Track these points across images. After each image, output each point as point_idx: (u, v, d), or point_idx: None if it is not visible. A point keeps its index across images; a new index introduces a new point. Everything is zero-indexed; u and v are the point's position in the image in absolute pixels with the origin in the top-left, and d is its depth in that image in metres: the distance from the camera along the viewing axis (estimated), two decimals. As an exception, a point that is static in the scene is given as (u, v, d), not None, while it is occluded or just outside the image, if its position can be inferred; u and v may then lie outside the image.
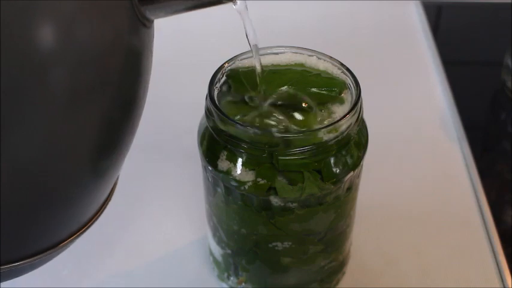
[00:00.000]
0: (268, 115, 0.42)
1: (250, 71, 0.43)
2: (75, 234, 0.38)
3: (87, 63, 0.31)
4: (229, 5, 0.39)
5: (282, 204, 0.41)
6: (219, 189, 0.43)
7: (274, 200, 0.41)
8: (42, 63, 0.30)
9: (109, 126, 0.35)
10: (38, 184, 0.33)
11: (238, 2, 0.38)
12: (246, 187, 0.40)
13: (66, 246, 0.38)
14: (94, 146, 0.34)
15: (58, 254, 0.38)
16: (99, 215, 0.39)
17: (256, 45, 0.41)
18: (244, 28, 0.40)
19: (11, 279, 0.38)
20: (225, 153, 0.41)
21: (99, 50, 0.32)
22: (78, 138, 0.33)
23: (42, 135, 0.31)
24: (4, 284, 0.49)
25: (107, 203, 0.40)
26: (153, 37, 0.37)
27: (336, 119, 0.40)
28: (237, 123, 0.39)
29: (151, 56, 0.37)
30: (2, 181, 0.31)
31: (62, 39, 0.30)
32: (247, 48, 0.43)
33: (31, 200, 0.33)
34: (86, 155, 0.34)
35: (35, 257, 0.36)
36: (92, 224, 0.39)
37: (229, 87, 0.43)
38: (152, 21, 0.36)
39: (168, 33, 0.73)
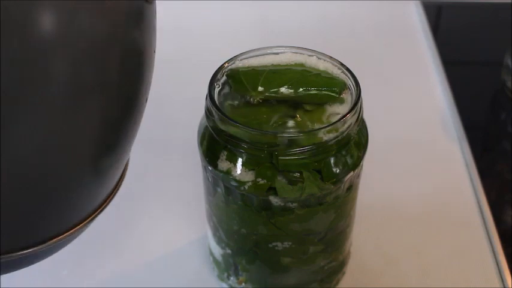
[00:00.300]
0: (268, 115, 0.42)
1: (250, 71, 0.43)
2: (81, 223, 0.38)
3: (91, 44, 0.31)
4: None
5: (282, 204, 0.41)
6: (219, 189, 0.43)
7: (274, 200, 0.41)
8: (45, 47, 0.30)
9: (117, 108, 0.35)
10: (38, 179, 0.33)
11: None
12: (246, 187, 0.40)
13: (71, 237, 0.38)
14: (105, 125, 0.34)
15: (63, 245, 0.38)
16: (103, 208, 0.39)
17: None
18: None
19: (12, 271, 0.38)
20: (225, 153, 0.41)
21: (102, 28, 0.32)
22: (87, 121, 0.33)
23: (47, 125, 0.31)
24: (4, 284, 0.49)
25: (112, 197, 0.40)
26: (156, 13, 0.37)
27: (336, 119, 0.40)
28: (237, 123, 0.39)
29: (155, 33, 0.37)
30: (2, 176, 0.31)
31: (64, 22, 0.30)
32: (247, 48, 0.43)
33: (32, 194, 0.33)
34: (98, 129, 0.34)
35: (37, 247, 0.36)
36: (93, 218, 0.39)
37: (230, 87, 0.43)
38: None
39: (169, 33, 0.73)
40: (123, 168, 0.40)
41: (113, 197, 0.40)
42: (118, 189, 0.40)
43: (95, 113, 0.33)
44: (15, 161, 0.31)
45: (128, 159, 0.41)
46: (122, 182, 0.40)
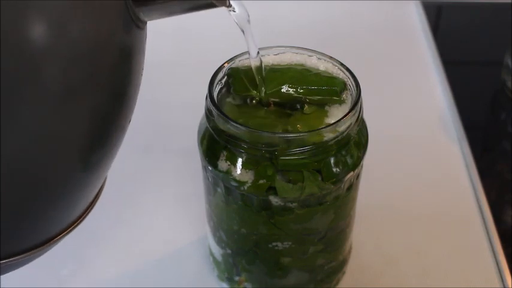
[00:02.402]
0: (268, 115, 0.42)
1: (250, 70, 0.43)
2: (63, 231, 0.38)
3: (78, 61, 0.31)
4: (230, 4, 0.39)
5: (282, 204, 0.41)
6: (219, 189, 0.43)
7: (274, 200, 0.41)
8: (34, 60, 0.30)
9: (98, 123, 0.35)
10: (27, 177, 0.33)
11: (237, 10, 0.38)
12: (246, 187, 0.40)
13: (51, 245, 0.38)
14: (83, 141, 0.34)
15: (42, 253, 0.38)
16: (88, 213, 0.39)
17: (258, 57, 0.41)
18: (246, 41, 0.40)
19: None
20: (225, 153, 0.41)
21: (91, 48, 0.32)
22: (67, 133, 0.33)
23: (33, 130, 0.31)
24: (4, 284, 0.49)
25: (96, 201, 0.40)
26: (146, 38, 0.37)
27: (336, 119, 0.40)
28: (237, 123, 0.39)
29: (143, 56, 0.37)
30: None
31: (55, 36, 0.30)
32: (247, 48, 0.43)
33: (20, 194, 0.33)
34: (74, 150, 0.34)
35: (21, 256, 0.36)
36: (81, 221, 0.39)
37: (230, 87, 0.43)
38: (145, 23, 0.36)
39: (169, 33, 0.73)
40: (100, 184, 0.40)
41: (88, 213, 0.40)
42: (93, 205, 0.40)
43: (75, 130, 0.34)
44: (6, 157, 0.31)
45: (106, 177, 0.41)
46: (98, 198, 0.40)
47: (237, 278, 0.48)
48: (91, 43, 0.32)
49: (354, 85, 0.42)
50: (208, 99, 0.41)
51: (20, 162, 0.32)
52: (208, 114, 0.41)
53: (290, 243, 0.44)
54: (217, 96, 0.43)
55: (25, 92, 0.30)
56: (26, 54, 0.30)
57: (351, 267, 0.51)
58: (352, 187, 0.43)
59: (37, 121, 0.31)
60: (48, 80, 0.31)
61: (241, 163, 0.40)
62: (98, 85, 0.33)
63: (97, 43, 0.32)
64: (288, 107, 0.42)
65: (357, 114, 0.41)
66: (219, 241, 0.47)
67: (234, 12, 0.39)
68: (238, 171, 0.40)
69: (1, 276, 0.38)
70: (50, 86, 0.31)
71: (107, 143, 0.37)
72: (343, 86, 0.43)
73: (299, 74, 0.43)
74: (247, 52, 0.42)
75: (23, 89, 0.30)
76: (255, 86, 0.43)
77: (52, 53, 0.30)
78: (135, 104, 0.38)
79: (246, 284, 0.48)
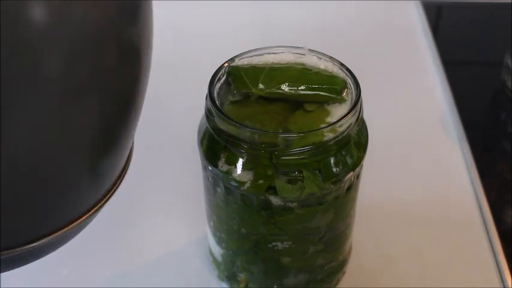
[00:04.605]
0: (269, 114, 0.42)
1: (251, 68, 0.43)
2: (73, 222, 0.38)
3: (84, 39, 0.31)
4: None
5: (282, 204, 0.41)
6: (219, 189, 0.43)
7: (274, 200, 0.41)
8: (37, 42, 0.29)
9: (114, 104, 0.34)
10: (35, 172, 0.33)
11: None
12: (246, 187, 0.40)
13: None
14: (96, 128, 0.34)
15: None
16: (106, 201, 0.39)
17: None
18: None
19: (14, 268, 0.37)
20: (225, 153, 0.41)
21: (97, 24, 0.32)
22: (82, 119, 0.33)
23: (45, 119, 0.31)
24: (4, 283, 0.49)
25: (125, 172, 0.40)
26: (152, 10, 0.37)
27: (336, 119, 0.40)
28: (237, 123, 0.39)
29: (152, 29, 0.37)
30: (2, 169, 0.31)
31: (58, 11, 0.30)
32: (247, 48, 0.43)
33: (27, 189, 0.33)
34: (86, 139, 0.34)
35: (36, 243, 0.36)
36: (88, 217, 0.39)
37: (230, 86, 0.43)
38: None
39: (169, 32, 0.74)
40: (126, 156, 0.39)
41: (120, 182, 0.39)
42: (124, 174, 0.40)
43: (92, 108, 0.33)
44: (14, 149, 0.31)
45: (132, 143, 0.40)
46: (127, 169, 0.40)
47: (239, 276, 0.48)
48: (97, 19, 0.31)
49: (354, 85, 0.42)
50: (208, 99, 0.41)
51: (26, 154, 0.32)
52: (208, 114, 0.41)
53: (290, 243, 0.44)
54: (217, 96, 0.43)
55: (34, 86, 0.30)
56: (31, 37, 0.29)
57: (351, 267, 0.51)
58: (352, 187, 0.43)
59: (57, 110, 0.31)
60: (56, 61, 0.30)
61: (241, 163, 0.40)
62: (108, 63, 0.33)
63: (103, 19, 0.32)
64: (288, 106, 0.42)
65: (357, 114, 0.41)
66: (219, 241, 0.47)
67: None
68: (238, 171, 0.40)
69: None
70: (57, 71, 0.31)
71: (126, 116, 0.36)
72: (344, 84, 0.43)
73: (299, 73, 0.43)
74: (248, 51, 0.42)
75: (35, 79, 0.30)
76: (255, 84, 0.43)
77: (57, 30, 0.30)
78: (147, 82, 0.37)
79: (246, 284, 0.48)
